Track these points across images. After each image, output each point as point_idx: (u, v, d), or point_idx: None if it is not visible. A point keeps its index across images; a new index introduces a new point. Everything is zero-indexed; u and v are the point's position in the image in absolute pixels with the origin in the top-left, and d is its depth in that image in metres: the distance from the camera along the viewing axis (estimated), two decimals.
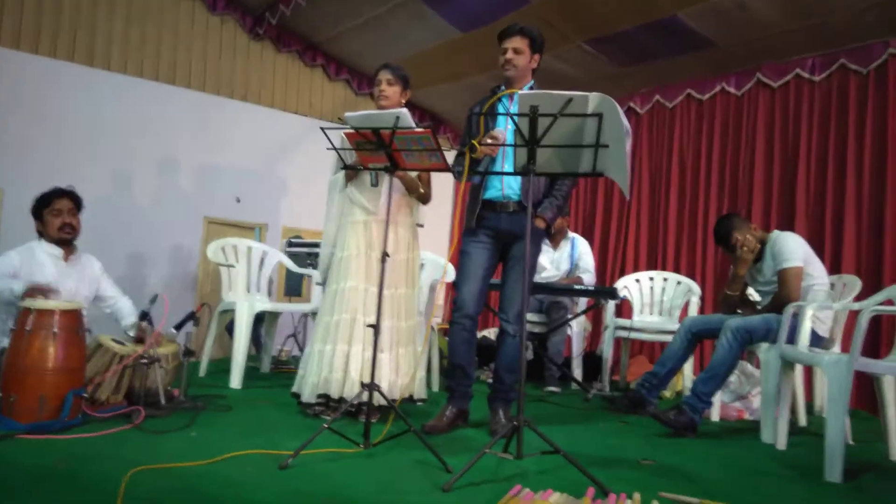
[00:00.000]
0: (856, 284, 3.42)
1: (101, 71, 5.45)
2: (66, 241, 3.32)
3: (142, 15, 5.71)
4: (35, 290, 3.01)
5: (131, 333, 3.34)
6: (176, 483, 1.98)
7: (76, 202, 3.37)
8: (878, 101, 4.57)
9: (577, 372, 4.77)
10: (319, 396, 3.02)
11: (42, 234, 3.31)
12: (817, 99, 4.92)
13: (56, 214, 3.28)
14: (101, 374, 2.88)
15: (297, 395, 3.14)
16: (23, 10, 5.12)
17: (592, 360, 4.98)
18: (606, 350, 4.63)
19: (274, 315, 4.55)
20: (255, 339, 4.80)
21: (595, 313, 5.55)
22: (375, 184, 3.06)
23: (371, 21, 5.78)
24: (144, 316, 3.18)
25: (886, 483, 2.49)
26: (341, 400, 2.97)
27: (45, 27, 5.22)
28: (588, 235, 6.05)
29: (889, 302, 2.94)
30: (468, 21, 5.46)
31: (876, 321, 4.18)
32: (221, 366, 4.25)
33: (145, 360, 2.95)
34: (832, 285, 3.53)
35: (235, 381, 3.81)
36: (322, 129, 2.67)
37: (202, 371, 4.16)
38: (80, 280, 3.36)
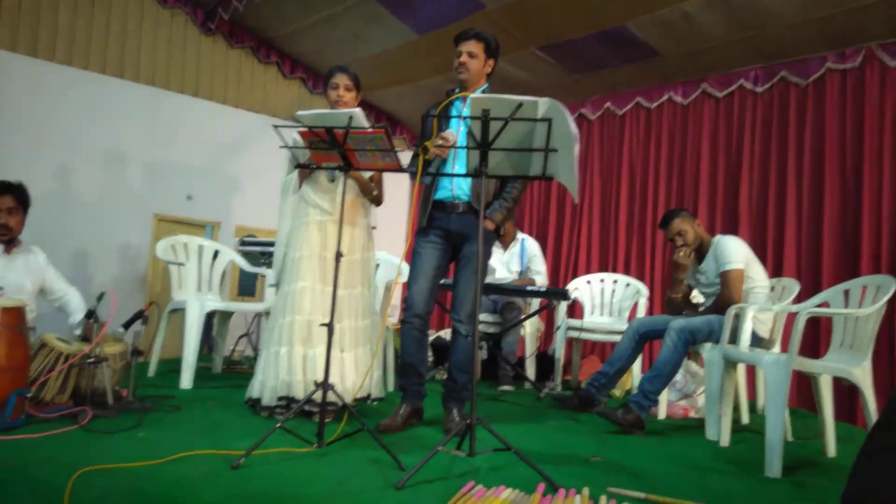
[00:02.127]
0: (795, 287, 3.57)
1: (45, 62, 5.29)
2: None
3: (88, 5, 5.56)
4: None
5: (77, 332, 3.25)
6: (124, 484, 1.95)
7: (20, 199, 3.25)
8: (817, 113, 4.78)
9: (531, 371, 4.84)
10: (280, 399, 2.98)
11: None
12: (759, 110, 5.11)
13: None
14: (46, 374, 2.81)
15: (252, 401, 3.08)
16: None
17: (545, 360, 5.06)
18: (559, 350, 4.71)
19: (226, 315, 4.49)
20: (206, 339, 4.72)
21: (548, 314, 5.64)
22: (332, 179, 3.05)
23: (327, 20, 5.76)
24: (91, 314, 3.10)
25: (823, 478, 2.59)
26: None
27: None
28: (541, 238, 6.14)
29: (826, 304, 3.07)
30: (424, 23, 5.49)
31: (815, 322, 4.36)
32: (172, 366, 4.17)
33: (92, 360, 2.88)
34: (772, 288, 3.66)
35: (186, 381, 3.74)
36: (275, 126, 2.65)
37: (151, 371, 4.08)
38: (24, 273, 3.26)
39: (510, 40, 5.21)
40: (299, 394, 2.95)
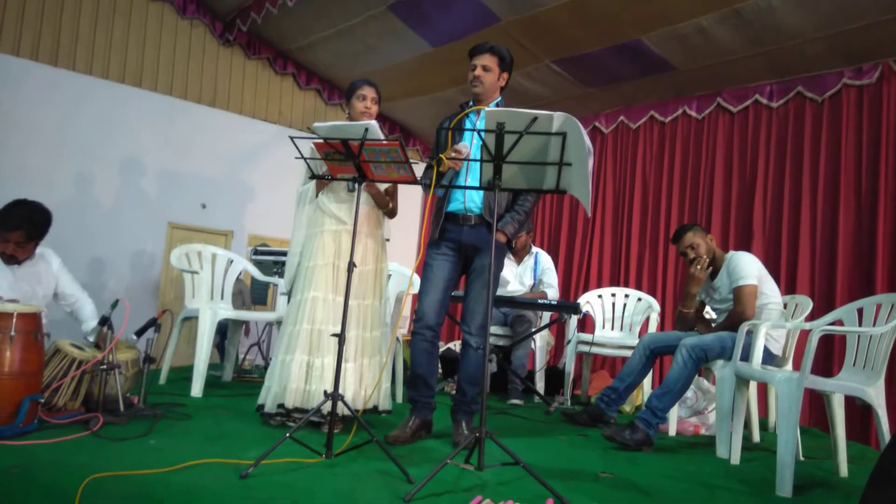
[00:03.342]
0: (808, 304, 3.54)
1: (65, 71, 5.37)
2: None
3: (109, 15, 5.65)
4: None
5: (91, 339, 3.28)
6: (133, 491, 1.96)
7: (30, 235, 3.24)
8: (832, 129, 4.75)
9: (540, 385, 4.82)
10: (279, 406, 3.00)
11: None
12: (774, 125, 5.09)
13: (2, 241, 3.19)
14: (59, 380, 2.83)
15: (261, 408, 3.10)
16: None
17: (555, 374, 5.04)
18: (569, 364, 4.69)
19: (237, 323, 4.51)
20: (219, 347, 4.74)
21: (558, 328, 5.62)
22: (352, 189, 3.06)
23: (343, 31, 5.81)
24: (105, 321, 3.12)
25: (834, 499, 2.57)
26: (297, 410, 2.95)
27: (6, 25, 5.14)
28: (553, 251, 6.14)
29: (839, 322, 3.05)
30: (439, 36, 5.53)
31: (828, 341, 4.32)
32: (183, 374, 4.20)
33: (104, 366, 2.91)
34: (785, 305, 3.64)
35: (196, 389, 3.76)
36: (291, 138, 2.67)
37: (162, 379, 4.10)
38: (35, 282, 3.29)
39: (525, 53, 5.23)
40: (294, 402, 2.95)
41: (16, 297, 3.09)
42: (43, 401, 2.67)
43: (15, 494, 1.91)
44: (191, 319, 4.08)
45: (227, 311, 4.12)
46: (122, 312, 3.03)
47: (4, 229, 3.18)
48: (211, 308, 3.96)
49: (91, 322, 3.36)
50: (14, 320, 2.59)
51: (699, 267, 3.48)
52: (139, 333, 3.25)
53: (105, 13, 5.62)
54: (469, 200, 3.06)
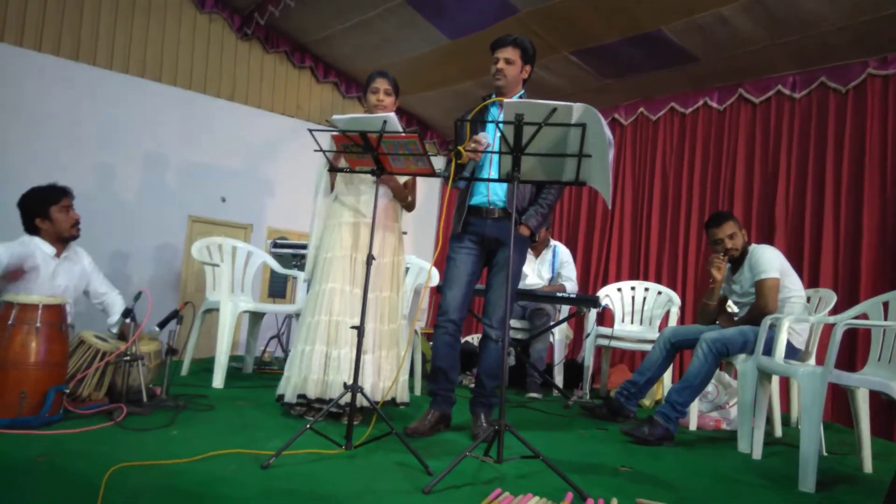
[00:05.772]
0: (832, 298, 3.49)
1: (86, 65, 5.43)
2: (74, 237, 3.30)
3: (129, 10, 5.69)
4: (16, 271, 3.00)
5: (115, 330, 3.32)
6: (157, 480, 1.98)
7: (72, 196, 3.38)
8: (857, 120, 4.67)
9: (559, 379, 4.81)
10: (300, 396, 3.02)
11: (38, 230, 3.22)
12: (797, 116, 5.01)
13: (67, 211, 3.26)
14: (83, 371, 2.87)
15: (281, 398, 3.13)
16: (8, 2, 5.09)
17: (573, 368, 5.02)
18: (588, 358, 4.67)
19: (257, 316, 4.54)
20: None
21: (577, 321, 5.60)
22: (373, 181, 3.05)
23: (361, 24, 5.81)
24: (128, 313, 3.16)
25: (858, 495, 2.54)
26: (318, 401, 2.97)
27: (29, 20, 5.19)
28: (572, 244, 6.11)
29: (864, 316, 3.00)
30: (457, 28, 5.50)
31: (852, 335, 4.26)
32: (204, 365, 4.24)
33: (128, 358, 2.95)
34: (809, 299, 3.59)
35: (218, 380, 3.80)
36: (310, 130, 2.68)
37: (184, 370, 4.14)
38: (68, 279, 3.34)
39: (543, 45, 5.19)
40: (314, 393, 2.97)
41: (50, 293, 3.15)
42: (68, 391, 2.71)
43: (41, 483, 1.94)
44: (212, 311, 4.12)
45: (247, 304, 4.15)
46: (145, 304, 3.06)
47: (58, 201, 3.24)
48: (232, 300, 3.99)
49: (117, 315, 3.40)
50: (39, 312, 2.63)
51: (717, 266, 3.45)
52: (161, 325, 3.29)
53: (125, 9, 5.67)
54: (493, 194, 3.05)
